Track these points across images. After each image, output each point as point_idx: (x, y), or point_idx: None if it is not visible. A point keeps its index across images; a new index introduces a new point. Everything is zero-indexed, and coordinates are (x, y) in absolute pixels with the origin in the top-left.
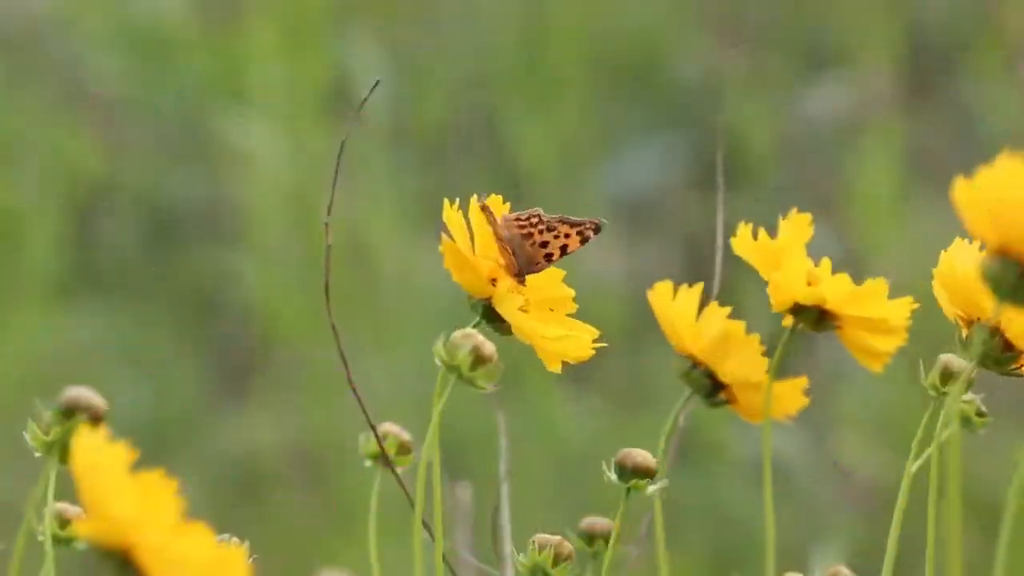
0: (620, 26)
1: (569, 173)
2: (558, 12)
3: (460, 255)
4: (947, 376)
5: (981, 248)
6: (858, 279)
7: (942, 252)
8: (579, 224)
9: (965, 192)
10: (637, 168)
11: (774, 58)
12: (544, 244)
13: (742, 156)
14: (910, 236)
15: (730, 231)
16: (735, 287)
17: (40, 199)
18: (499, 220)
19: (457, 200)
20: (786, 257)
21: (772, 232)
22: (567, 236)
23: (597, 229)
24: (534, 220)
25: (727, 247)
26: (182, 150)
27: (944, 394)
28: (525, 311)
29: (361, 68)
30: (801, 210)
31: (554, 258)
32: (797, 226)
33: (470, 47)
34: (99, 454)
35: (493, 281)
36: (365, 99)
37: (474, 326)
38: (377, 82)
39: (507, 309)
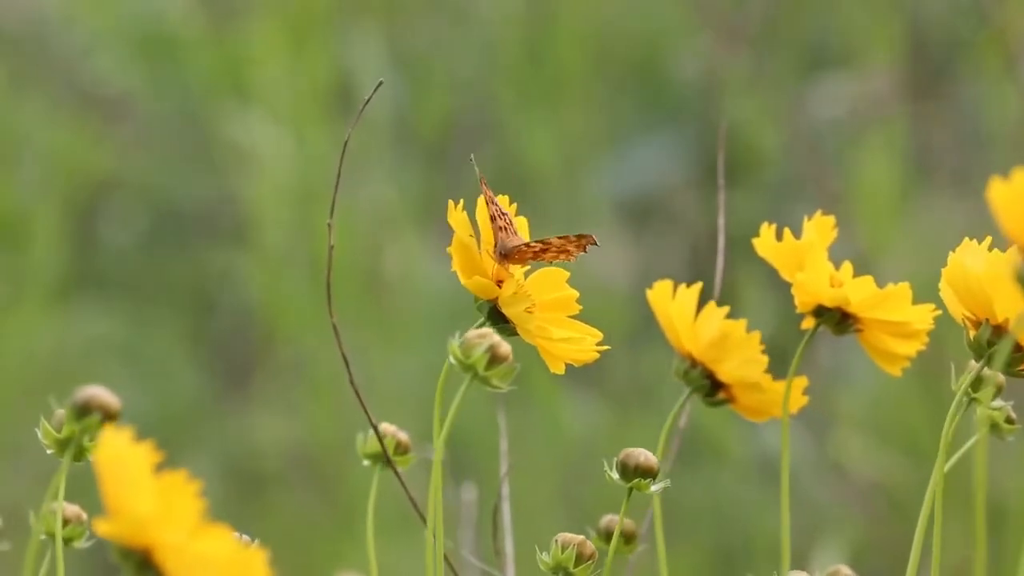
0: (623, 25)
1: (572, 172)
2: (561, 11)
3: (467, 256)
4: (979, 382)
5: (991, 248)
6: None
7: (948, 251)
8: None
9: (1000, 192)
10: (640, 167)
11: (775, 58)
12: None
13: (744, 155)
14: (911, 235)
15: (732, 230)
16: (737, 287)
17: (43, 198)
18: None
19: (461, 201)
20: (809, 258)
21: (780, 232)
22: (560, 250)
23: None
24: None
25: (728, 247)
26: (185, 149)
27: (975, 399)
28: (530, 312)
29: (364, 67)
30: (802, 209)
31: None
32: (820, 228)
33: (473, 46)
34: (122, 453)
35: (499, 283)
36: (368, 99)
37: (478, 327)
38: (380, 82)
39: (513, 311)
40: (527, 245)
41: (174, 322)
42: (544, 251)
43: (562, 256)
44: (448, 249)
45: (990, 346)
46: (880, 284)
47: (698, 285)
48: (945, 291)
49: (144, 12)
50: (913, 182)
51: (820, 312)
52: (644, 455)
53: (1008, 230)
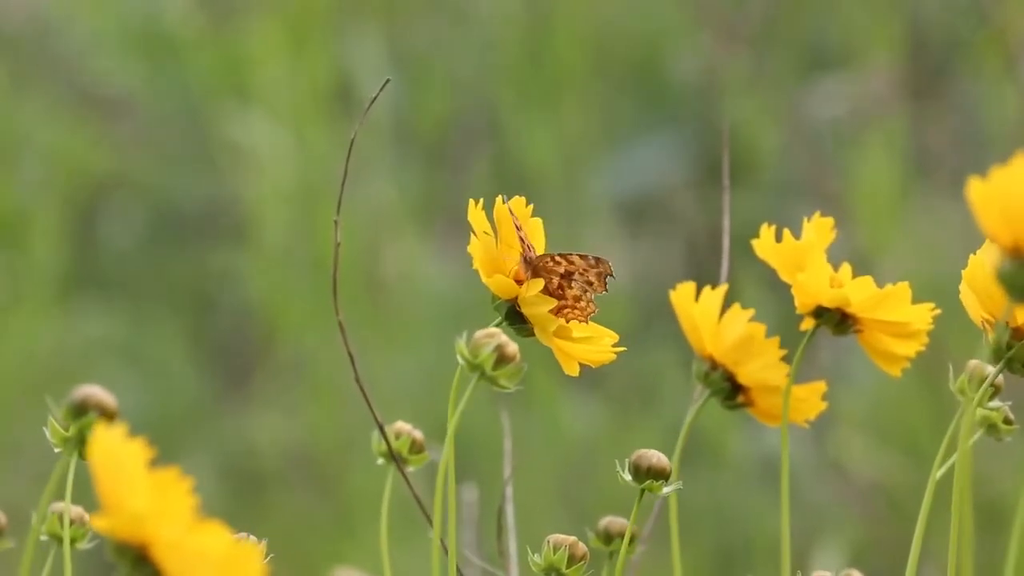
0: (622, 25)
1: (571, 172)
2: (560, 11)
3: (488, 255)
4: (976, 382)
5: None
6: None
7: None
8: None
9: (979, 192)
10: (639, 167)
11: (775, 58)
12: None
13: (744, 155)
14: (911, 235)
15: (731, 230)
16: (736, 287)
17: (43, 198)
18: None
19: (481, 200)
20: (809, 259)
21: (779, 232)
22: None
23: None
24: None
25: (732, 248)
26: (185, 149)
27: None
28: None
29: (364, 67)
30: (802, 210)
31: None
32: (820, 229)
33: (473, 46)
34: (117, 449)
35: (519, 283)
36: (375, 98)
37: (495, 326)
38: (387, 80)
39: (534, 311)
40: (552, 259)
41: (174, 322)
42: (569, 276)
43: (587, 296)
44: (468, 248)
45: (1008, 348)
46: (879, 284)
47: (724, 287)
48: (965, 293)
49: (144, 12)
50: (913, 182)
51: (820, 313)
52: (656, 456)
53: (987, 228)
